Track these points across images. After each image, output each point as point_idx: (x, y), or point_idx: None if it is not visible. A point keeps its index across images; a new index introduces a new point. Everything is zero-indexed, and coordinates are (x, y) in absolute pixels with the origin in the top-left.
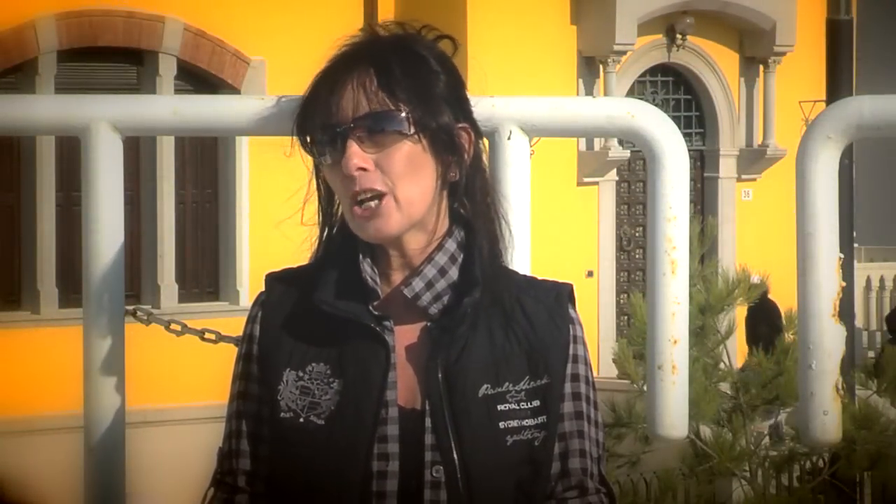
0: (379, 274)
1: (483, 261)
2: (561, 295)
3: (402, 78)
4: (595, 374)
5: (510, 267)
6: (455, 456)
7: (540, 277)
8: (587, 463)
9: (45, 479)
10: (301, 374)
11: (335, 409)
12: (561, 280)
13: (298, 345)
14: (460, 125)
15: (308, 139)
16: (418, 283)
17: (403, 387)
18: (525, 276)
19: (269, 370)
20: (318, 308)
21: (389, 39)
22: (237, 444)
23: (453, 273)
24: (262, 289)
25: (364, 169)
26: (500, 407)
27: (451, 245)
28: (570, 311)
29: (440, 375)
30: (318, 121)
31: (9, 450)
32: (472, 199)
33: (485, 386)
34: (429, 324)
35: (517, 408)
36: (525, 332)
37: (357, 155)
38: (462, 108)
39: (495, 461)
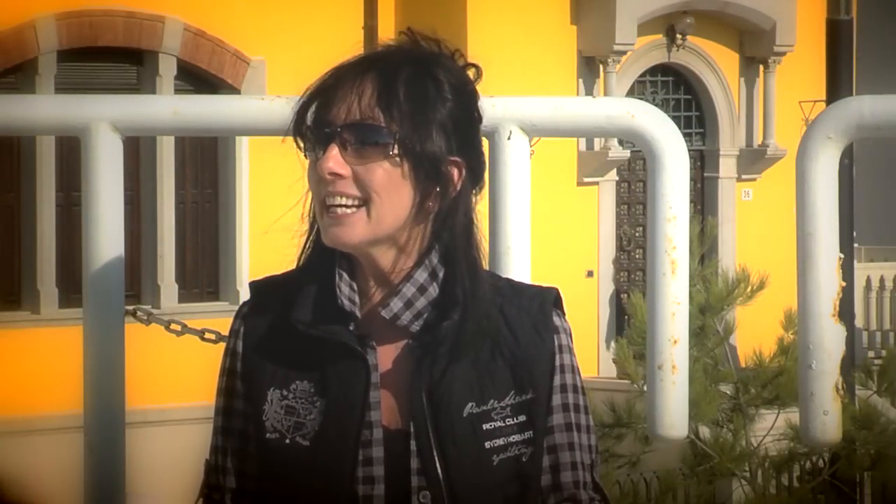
0: (358, 290)
1: (464, 279)
2: (545, 303)
3: (402, 98)
4: (595, 374)
5: (504, 266)
6: (441, 481)
7: (525, 283)
8: (579, 475)
9: (45, 479)
10: (286, 392)
11: (319, 430)
12: (550, 285)
13: (282, 362)
14: (452, 158)
15: (300, 133)
16: (396, 304)
17: (387, 407)
18: (509, 281)
19: (253, 388)
20: (300, 326)
21: (413, 54)
22: (223, 461)
23: (433, 290)
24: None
25: (339, 175)
26: (486, 426)
27: (431, 261)
28: (555, 319)
29: (424, 396)
30: (312, 115)
31: (9, 450)
32: (450, 233)
33: (469, 405)
34: (411, 342)
35: (503, 425)
36: (509, 346)
37: (334, 159)
38: (462, 141)
39: (483, 482)
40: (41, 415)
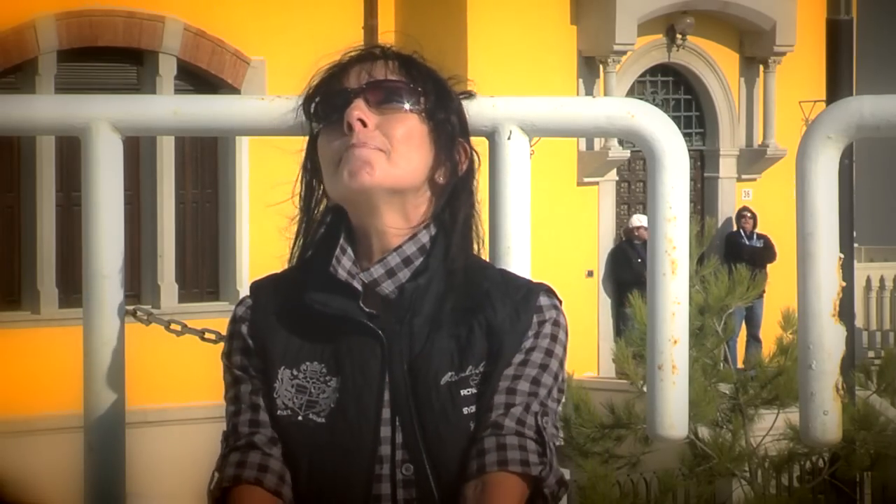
0: (361, 269)
1: (450, 254)
2: (531, 292)
3: (423, 70)
4: (595, 373)
5: (504, 266)
6: (423, 453)
7: (519, 276)
8: (514, 410)
9: (45, 479)
10: (296, 372)
11: (336, 407)
12: (554, 281)
13: (291, 343)
14: (460, 140)
15: (316, 101)
16: (377, 270)
17: None
18: (501, 270)
19: (263, 365)
20: (310, 307)
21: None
22: (255, 416)
23: (419, 264)
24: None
25: (364, 124)
26: (464, 392)
27: (424, 236)
28: (543, 298)
29: (405, 367)
30: (330, 85)
31: (9, 450)
32: (452, 212)
33: (449, 374)
34: (393, 317)
35: (476, 391)
36: (487, 319)
37: (360, 108)
38: (464, 129)
39: (461, 449)
40: (41, 415)
